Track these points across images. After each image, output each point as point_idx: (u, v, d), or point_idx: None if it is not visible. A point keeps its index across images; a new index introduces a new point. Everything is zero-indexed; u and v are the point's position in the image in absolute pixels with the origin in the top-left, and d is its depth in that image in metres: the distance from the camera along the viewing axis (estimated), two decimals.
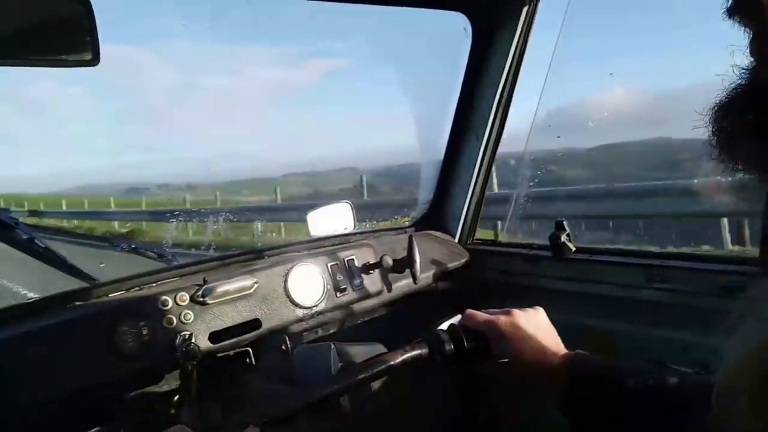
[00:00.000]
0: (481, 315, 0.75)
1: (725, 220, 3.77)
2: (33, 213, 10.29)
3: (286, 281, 0.95)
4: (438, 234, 1.47)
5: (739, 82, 0.35)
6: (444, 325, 0.76)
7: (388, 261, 1.11)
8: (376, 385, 0.78)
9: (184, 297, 0.84)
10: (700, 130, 0.37)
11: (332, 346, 0.86)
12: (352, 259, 1.07)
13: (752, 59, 0.35)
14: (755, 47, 0.35)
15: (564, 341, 0.74)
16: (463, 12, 1.31)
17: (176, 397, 0.90)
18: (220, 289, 0.87)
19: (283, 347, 0.91)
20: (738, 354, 0.33)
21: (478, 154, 1.41)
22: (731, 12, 0.35)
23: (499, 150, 1.41)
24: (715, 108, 0.36)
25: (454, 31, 1.35)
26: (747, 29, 0.35)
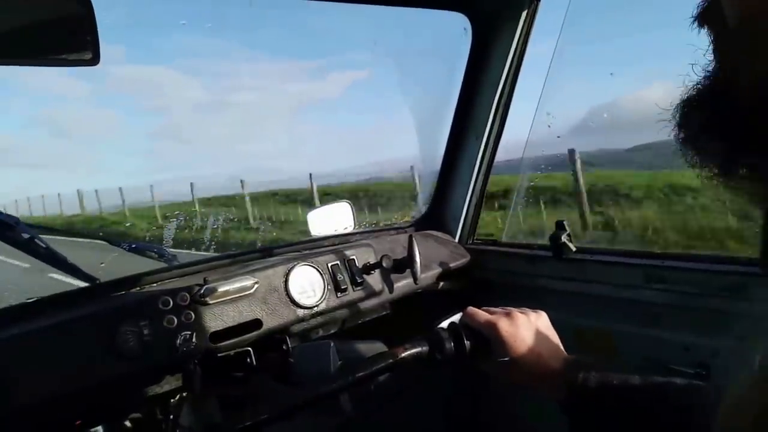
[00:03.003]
0: (481, 314, 0.74)
1: None
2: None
3: (286, 281, 0.95)
4: (438, 234, 1.47)
5: (700, 79, 0.36)
6: (444, 324, 0.75)
7: (389, 261, 1.11)
8: (375, 383, 0.77)
9: (185, 297, 0.84)
10: None
11: (331, 344, 0.86)
12: (353, 259, 1.07)
13: (712, 59, 0.37)
14: (715, 49, 0.36)
15: (564, 341, 0.74)
16: (463, 12, 1.31)
17: (176, 397, 0.90)
18: (221, 289, 0.87)
19: (283, 347, 0.91)
20: (747, 374, 0.32)
21: (478, 154, 1.41)
22: (701, 20, 0.36)
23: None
24: (680, 103, 0.37)
25: (455, 31, 1.35)
26: (710, 33, 0.37)
